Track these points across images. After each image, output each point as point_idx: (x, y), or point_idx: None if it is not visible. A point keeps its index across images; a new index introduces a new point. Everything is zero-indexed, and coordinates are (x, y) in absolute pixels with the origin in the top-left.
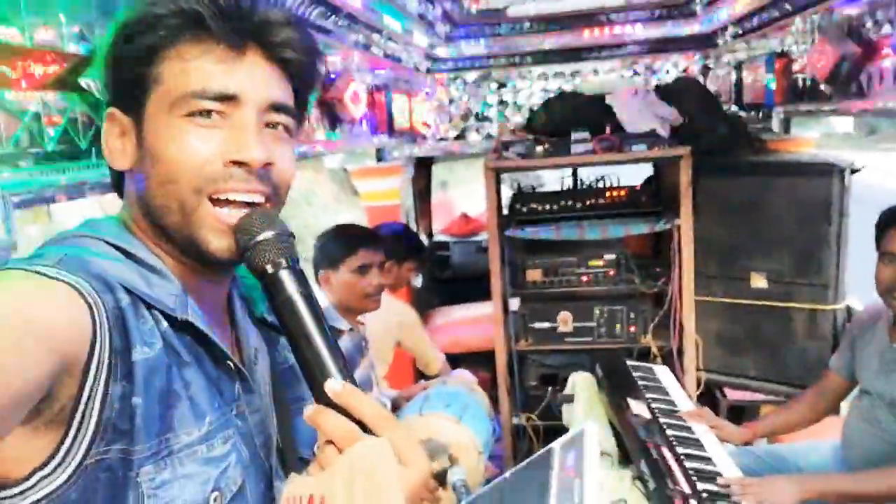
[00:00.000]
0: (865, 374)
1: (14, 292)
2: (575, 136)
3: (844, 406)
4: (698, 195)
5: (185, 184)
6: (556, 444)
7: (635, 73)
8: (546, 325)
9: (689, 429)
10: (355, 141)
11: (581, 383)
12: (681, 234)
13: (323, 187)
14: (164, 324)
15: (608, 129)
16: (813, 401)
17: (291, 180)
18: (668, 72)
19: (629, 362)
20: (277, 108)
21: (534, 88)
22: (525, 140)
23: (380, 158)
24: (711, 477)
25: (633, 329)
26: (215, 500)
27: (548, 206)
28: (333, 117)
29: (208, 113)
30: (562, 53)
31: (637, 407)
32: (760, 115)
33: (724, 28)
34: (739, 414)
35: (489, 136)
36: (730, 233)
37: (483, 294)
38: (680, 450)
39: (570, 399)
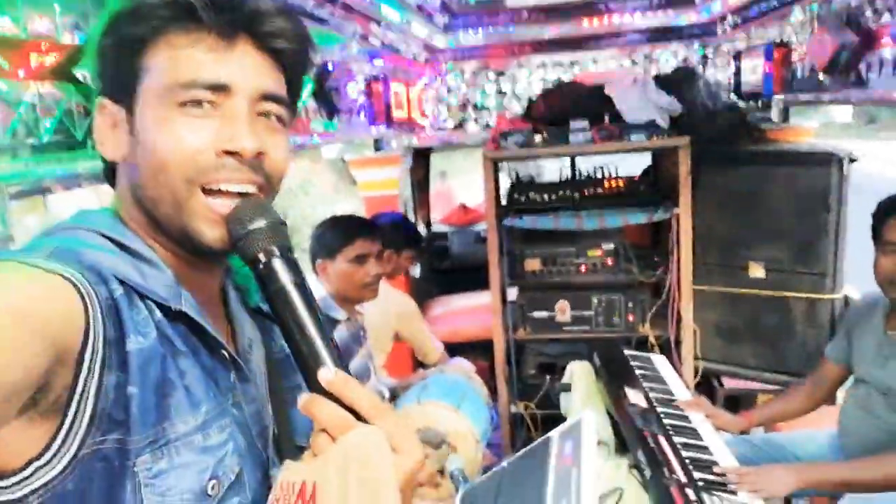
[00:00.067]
0: (861, 363)
1: (7, 284)
2: (573, 125)
3: (841, 395)
4: (697, 185)
5: (176, 174)
6: (554, 433)
7: (634, 62)
8: (544, 314)
9: (685, 418)
10: (353, 131)
11: (579, 372)
12: (679, 223)
13: (320, 177)
14: (158, 314)
15: (607, 119)
16: (809, 389)
17: (285, 170)
18: (667, 61)
19: (627, 351)
20: (269, 97)
21: (532, 78)
22: (523, 130)
23: (378, 148)
24: (708, 466)
25: (631, 318)
26: (212, 488)
27: (546, 196)
28: (331, 107)
29: (200, 103)
30: (560, 43)
31: (634, 396)
32: (759, 104)
33: (723, 17)
34: (736, 403)
35: (487, 126)
36: (728, 222)
37: (482, 284)
38: (676, 439)
39: (567, 388)
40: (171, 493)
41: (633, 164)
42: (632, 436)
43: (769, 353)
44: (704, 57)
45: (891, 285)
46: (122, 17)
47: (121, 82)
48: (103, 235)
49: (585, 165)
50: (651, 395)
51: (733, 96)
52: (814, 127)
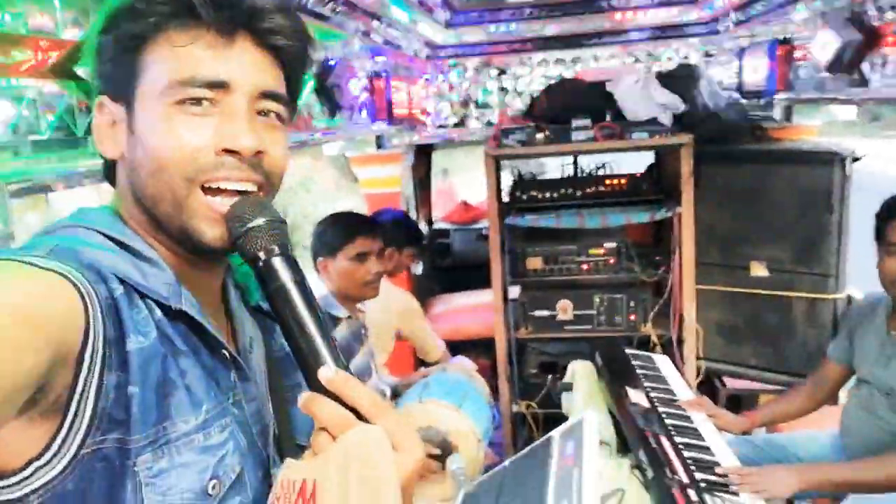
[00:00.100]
0: (864, 364)
1: (6, 283)
2: (575, 123)
3: (843, 395)
4: (699, 183)
5: (176, 173)
6: (556, 433)
7: (636, 59)
8: (546, 313)
9: (687, 418)
10: (355, 128)
11: (580, 372)
12: (681, 222)
13: (322, 174)
14: (159, 313)
15: (609, 117)
16: (811, 389)
17: (284, 168)
18: (669, 59)
19: (628, 351)
20: (269, 95)
21: (534, 75)
22: (525, 127)
23: (379, 146)
24: (710, 466)
25: (633, 317)
26: (213, 487)
27: (548, 194)
28: (333, 104)
29: (199, 101)
30: (563, 40)
31: (636, 396)
32: (762, 102)
33: (726, 14)
34: (738, 403)
35: (489, 124)
36: (731, 221)
37: (483, 282)
38: (678, 439)
39: (569, 387)
40: (172, 493)
41: (635, 162)
42: (633, 436)
43: (771, 353)
44: (707, 54)
45: (895, 286)
46: (121, 14)
47: (119, 80)
48: (103, 234)
49: (587, 163)
50: (653, 394)
51: (736, 94)
52: (816, 125)
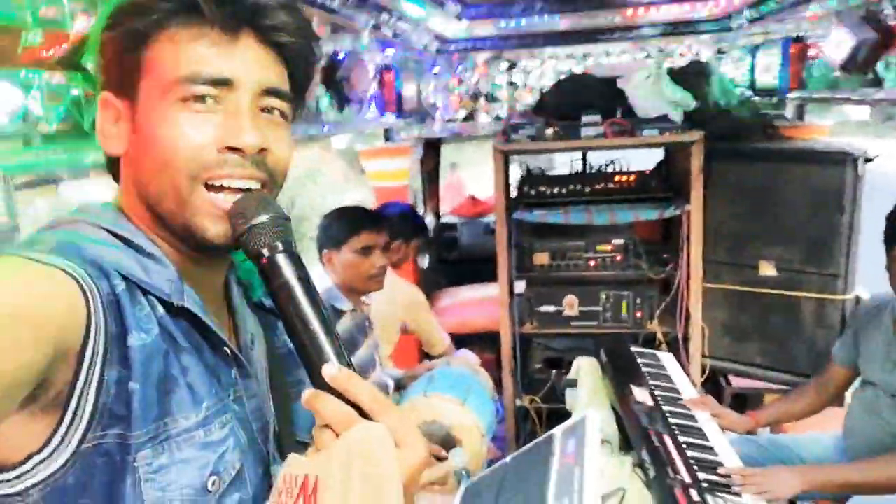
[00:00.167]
0: (869, 366)
1: (9, 279)
2: (585, 119)
3: (849, 396)
4: (709, 181)
5: (179, 170)
6: (557, 431)
7: (648, 55)
8: (552, 308)
9: (691, 417)
10: (363, 121)
11: (585, 368)
12: (690, 220)
13: (330, 165)
14: (161, 310)
15: (619, 113)
16: (816, 390)
17: (288, 166)
18: (681, 55)
19: (633, 348)
20: (272, 92)
21: (544, 70)
22: (534, 123)
23: (388, 139)
24: (712, 466)
25: (639, 315)
26: (213, 484)
27: (556, 190)
28: (342, 97)
29: (202, 98)
30: (574, 35)
31: (640, 394)
32: (774, 100)
33: (740, 11)
34: (743, 402)
35: (498, 118)
36: (740, 220)
37: (490, 276)
38: (682, 438)
39: (573, 384)
40: (172, 489)
41: (645, 158)
42: (636, 434)
43: (778, 353)
44: (719, 51)
45: None
46: (124, 10)
47: (123, 77)
48: (106, 230)
49: (597, 158)
50: (657, 393)
51: (748, 92)
52: (829, 125)
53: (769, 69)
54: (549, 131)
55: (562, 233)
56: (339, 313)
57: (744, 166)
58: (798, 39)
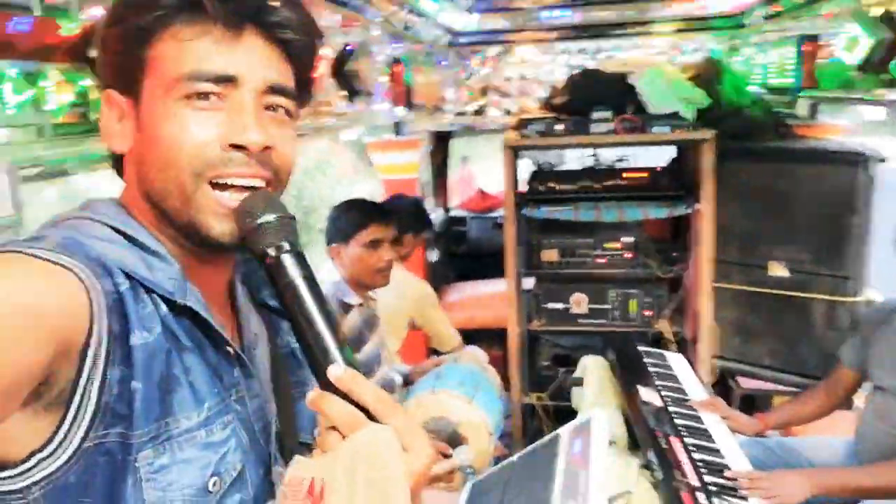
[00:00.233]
0: (879, 371)
1: (11, 276)
2: (596, 115)
3: (859, 400)
4: (720, 180)
5: (183, 168)
6: (564, 431)
7: (660, 51)
8: (560, 305)
9: (699, 419)
10: (373, 114)
11: (592, 367)
12: (701, 219)
13: (340, 157)
14: (164, 308)
15: (630, 110)
16: (824, 393)
17: (293, 164)
18: (694, 51)
19: (641, 348)
20: (277, 89)
21: (556, 65)
22: (545, 118)
23: (397, 132)
24: (720, 469)
25: (647, 313)
26: (214, 485)
27: (566, 186)
28: (351, 90)
29: (206, 95)
30: (586, 29)
31: (647, 394)
32: (787, 99)
33: (753, 8)
34: (752, 403)
35: (508, 112)
36: (751, 219)
37: (499, 271)
38: (689, 440)
39: (580, 382)
40: (172, 489)
41: (656, 155)
42: (644, 435)
43: (787, 354)
44: (732, 48)
45: None
46: (127, 7)
47: (127, 74)
48: (110, 226)
49: (607, 155)
50: (664, 393)
51: (760, 90)
52: (843, 124)
53: (782, 67)
54: (559, 127)
55: (571, 229)
56: (347, 307)
57: (755, 165)
58: (812, 37)
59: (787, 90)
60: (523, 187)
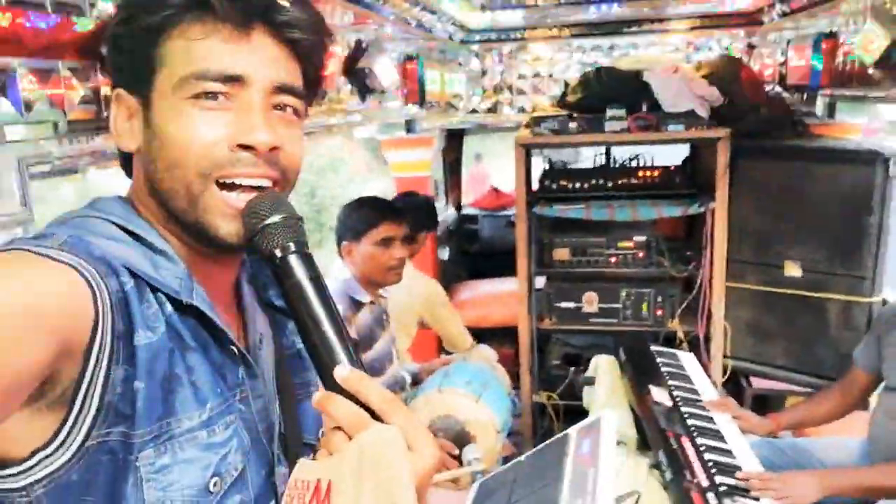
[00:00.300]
0: (892, 372)
1: (16, 274)
2: (609, 113)
3: (874, 400)
4: (735, 178)
5: (191, 168)
6: (573, 430)
7: (676, 49)
8: (571, 304)
9: (710, 419)
10: (385, 112)
11: (603, 366)
12: (715, 218)
13: (353, 155)
14: (169, 308)
15: (644, 107)
16: (838, 395)
17: (300, 164)
18: (710, 49)
19: (653, 347)
20: (285, 89)
21: (570, 62)
22: (558, 116)
23: (409, 129)
24: (731, 470)
25: (660, 313)
26: (215, 485)
27: (578, 185)
28: (364, 88)
29: (214, 95)
30: (601, 26)
31: (659, 394)
32: (805, 97)
33: (772, 5)
34: (765, 403)
35: (522, 110)
36: (766, 219)
37: (511, 269)
38: (700, 441)
39: (591, 381)
40: (173, 489)
41: (671, 154)
42: (654, 435)
43: (802, 355)
44: (750, 46)
45: None
46: (136, 6)
47: (135, 73)
48: (117, 225)
49: (621, 153)
50: (676, 393)
51: (778, 88)
52: (861, 123)
53: (800, 65)
54: (573, 125)
55: (583, 228)
56: (358, 305)
57: (771, 164)
58: (830, 35)
59: (805, 88)
60: (537, 186)
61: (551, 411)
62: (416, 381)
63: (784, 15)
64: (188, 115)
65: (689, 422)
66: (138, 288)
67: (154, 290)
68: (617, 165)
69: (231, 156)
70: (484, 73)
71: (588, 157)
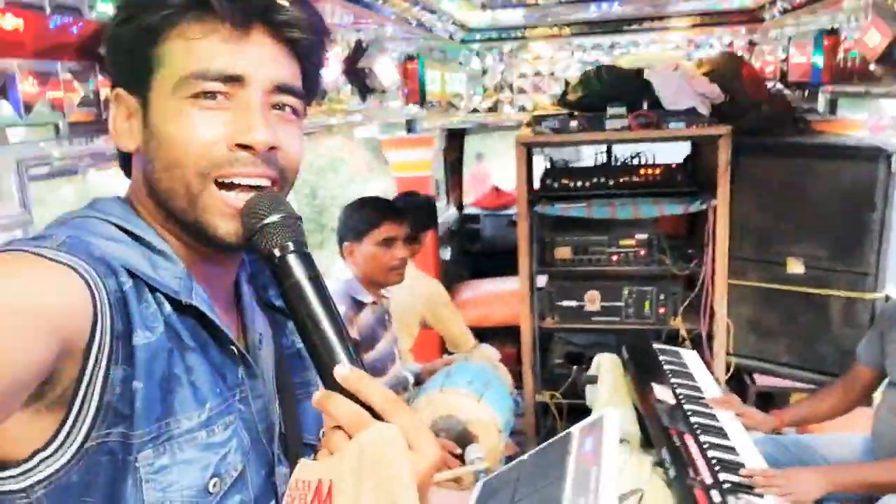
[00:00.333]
0: (895, 368)
1: (15, 275)
2: (610, 111)
3: (878, 397)
4: (737, 176)
5: (190, 167)
6: (575, 429)
7: (677, 46)
8: (573, 303)
9: (714, 416)
10: (386, 111)
11: (606, 365)
12: (716, 215)
13: (353, 155)
14: (168, 308)
15: (645, 105)
16: (841, 391)
17: (299, 163)
18: (711, 46)
19: (655, 345)
20: (284, 89)
21: (571, 60)
22: (559, 115)
23: (410, 129)
24: (734, 467)
25: (662, 311)
26: (214, 485)
27: (580, 183)
28: (364, 87)
29: (213, 94)
30: (601, 25)
31: (662, 392)
32: (806, 94)
33: (773, 2)
34: (768, 401)
35: (523, 109)
36: (768, 215)
37: (513, 268)
38: (703, 438)
39: (594, 380)
40: (173, 490)
41: (672, 152)
42: (657, 433)
43: (805, 352)
44: (751, 43)
45: None
46: (136, 6)
47: (135, 73)
48: (116, 225)
49: (622, 152)
50: (679, 391)
51: (779, 85)
52: (867, 120)
53: (801, 62)
54: (574, 123)
55: (584, 227)
56: (360, 305)
57: (773, 161)
58: (832, 32)
59: (807, 84)
60: (539, 185)
61: (554, 410)
62: (419, 381)
63: (785, 12)
64: (187, 114)
65: (692, 419)
66: (137, 288)
67: (153, 290)
68: (618, 164)
69: (230, 155)
70: (484, 72)
71: (589, 157)
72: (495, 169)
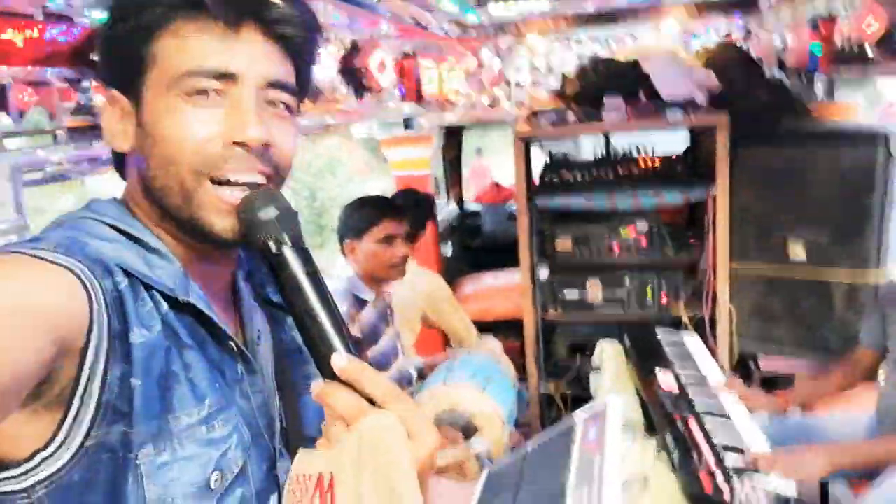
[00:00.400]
0: None
1: (11, 276)
2: (607, 102)
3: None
4: (736, 163)
5: (184, 165)
6: (579, 417)
7: (674, 37)
8: (575, 294)
9: (717, 400)
10: (382, 110)
11: (609, 352)
12: (716, 203)
13: (351, 155)
14: (165, 306)
15: (643, 96)
16: (846, 372)
17: (292, 159)
18: (708, 35)
19: (658, 329)
20: (277, 85)
21: (568, 54)
22: (557, 108)
23: (407, 127)
24: (739, 451)
25: (664, 299)
26: (216, 481)
27: (579, 175)
28: (360, 86)
29: (206, 92)
30: (598, 17)
31: (665, 377)
32: (804, 79)
33: None
34: (773, 385)
35: (521, 103)
36: (768, 202)
37: (514, 262)
38: (707, 422)
39: (597, 368)
40: (174, 486)
41: (672, 144)
42: (661, 419)
43: (808, 336)
44: (748, 31)
45: None
46: (127, 4)
47: (127, 72)
48: (111, 226)
49: (622, 144)
50: (682, 376)
51: (777, 71)
52: (861, 102)
53: (798, 48)
54: (572, 116)
55: (584, 218)
56: (362, 303)
57: (771, 148)
58: (828, 17)
59: (804, 70)
60: (538, 179)
61: (559, 401)
62: (422, 375)
63: None
64: (181, 112)
65: (696, 404)
66: (132, 287)
67: (149, 288)
68: (617, 155)
69: (224, 153)
70: (481, 67)
71: (588, 152)
72: (494, 165)
